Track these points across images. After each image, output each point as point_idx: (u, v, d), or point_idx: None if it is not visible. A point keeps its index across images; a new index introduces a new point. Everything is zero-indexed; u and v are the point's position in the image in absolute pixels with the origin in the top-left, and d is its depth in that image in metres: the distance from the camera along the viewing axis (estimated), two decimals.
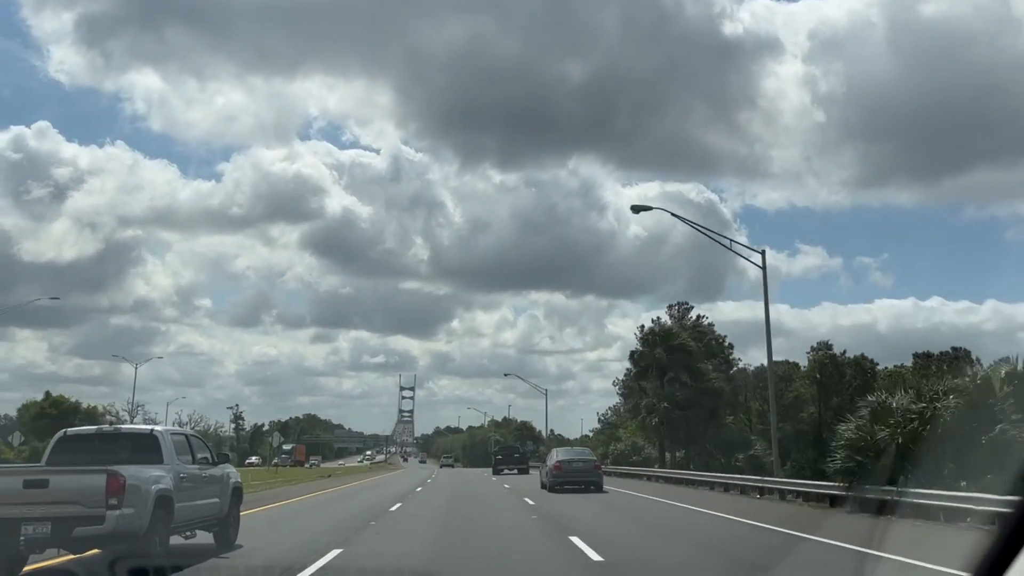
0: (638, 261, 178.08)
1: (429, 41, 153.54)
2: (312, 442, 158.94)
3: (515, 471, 50.03)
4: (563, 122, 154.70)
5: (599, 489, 28.02)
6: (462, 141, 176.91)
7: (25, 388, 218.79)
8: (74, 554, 10.08)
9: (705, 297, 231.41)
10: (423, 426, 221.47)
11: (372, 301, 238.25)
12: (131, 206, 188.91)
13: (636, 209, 28.19)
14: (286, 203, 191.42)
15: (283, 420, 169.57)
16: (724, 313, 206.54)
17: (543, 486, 30.02)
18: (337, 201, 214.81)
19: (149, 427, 12.31)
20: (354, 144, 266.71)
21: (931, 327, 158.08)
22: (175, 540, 10.91)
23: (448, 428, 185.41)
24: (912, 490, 15.68)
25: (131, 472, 9.67)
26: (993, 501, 13.10)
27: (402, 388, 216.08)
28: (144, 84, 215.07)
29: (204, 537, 12.09)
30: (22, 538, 9.04)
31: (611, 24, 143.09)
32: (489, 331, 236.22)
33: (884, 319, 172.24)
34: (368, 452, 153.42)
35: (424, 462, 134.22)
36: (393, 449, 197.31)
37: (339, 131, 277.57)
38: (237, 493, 13.12)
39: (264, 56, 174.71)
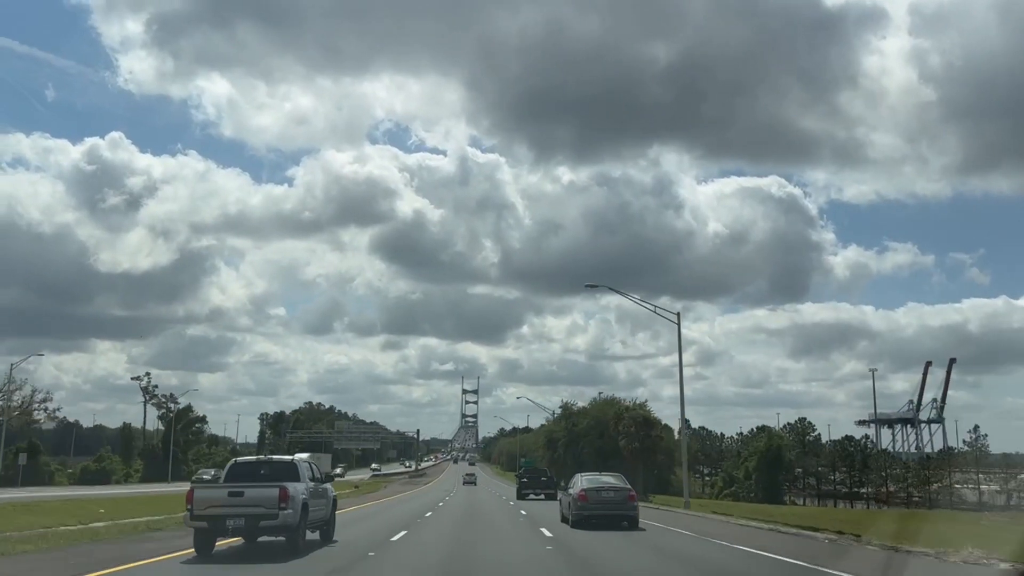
0: (717, 261, 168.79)
1: (502, 28, 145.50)
2: (309, 439, 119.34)
3: (542, 496, 47.38)
4: (644, 109, 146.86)
5: (634, 525, 22.61)
6: (535, 133, 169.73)
7: (106, 399, 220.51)
8: (254, 540, 15.35)
9: (788, 298, 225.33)
10: (488, 433, 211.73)
11: (441, 306, 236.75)
12: (204, 214, 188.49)
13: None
14: (357, 206, 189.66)
15: (276, 412, 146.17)
16: (806, 315, 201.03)
17: (563, 519, 24.64)
18: (407, 204, 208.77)
19: (290, 457, 17.62)
20: (420, 147, 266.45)
21: None
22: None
23: (515, 428, 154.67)
24: None
25: (290, 486, 14.91)
26: None
27: (465, 392, 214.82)
28: (213, 90, 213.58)
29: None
30: (229, 527, 14.30)
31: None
32: (559, 336, 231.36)
33: (975, 319, 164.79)
34: (374, 463, 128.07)
35: (473, 464, 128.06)
36: (451, 455, 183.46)
37: (407, 133, 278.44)
38: (334, 503, 18.43)
39: (332, 55, 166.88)
